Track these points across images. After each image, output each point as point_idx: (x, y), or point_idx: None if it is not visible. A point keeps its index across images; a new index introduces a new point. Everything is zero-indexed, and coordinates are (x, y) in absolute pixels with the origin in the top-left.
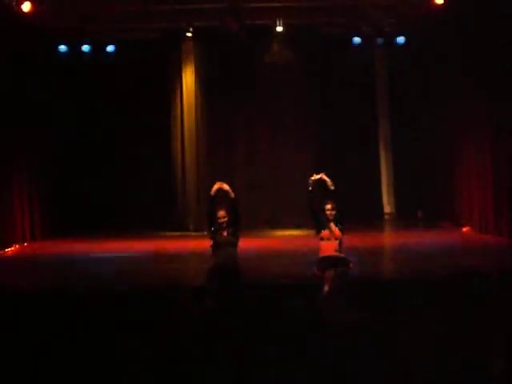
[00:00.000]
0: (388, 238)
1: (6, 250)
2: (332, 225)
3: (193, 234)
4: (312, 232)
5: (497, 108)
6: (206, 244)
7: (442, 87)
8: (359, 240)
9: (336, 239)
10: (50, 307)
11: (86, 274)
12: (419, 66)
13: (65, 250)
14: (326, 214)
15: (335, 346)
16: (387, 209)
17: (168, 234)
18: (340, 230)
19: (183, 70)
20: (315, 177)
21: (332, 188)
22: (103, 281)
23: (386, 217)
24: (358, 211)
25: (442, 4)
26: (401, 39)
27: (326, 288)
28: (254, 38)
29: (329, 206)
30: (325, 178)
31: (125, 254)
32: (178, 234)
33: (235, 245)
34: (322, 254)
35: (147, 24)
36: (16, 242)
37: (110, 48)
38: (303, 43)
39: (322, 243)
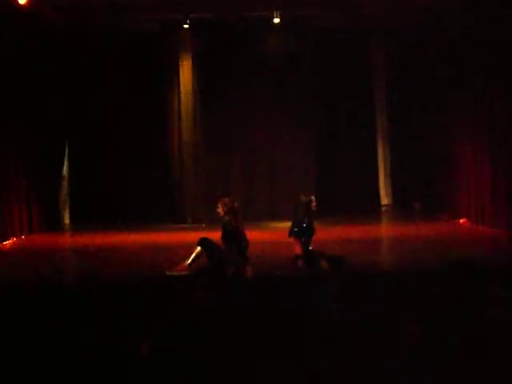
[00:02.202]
0: (385, 230)
1: (4, 242)
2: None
3: (191, 226)
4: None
5: (495, 101)
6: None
7: (440, 80)
8: (356, 232)
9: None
10: (46, 300)
11: (83, 266)
12: (418, 59)
13: (63, 242)
14: (310, 207)
15: (335, 340)
16: (384, 200)
17: (167, 226)
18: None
19: (180, 62)
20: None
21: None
22: (99, 273)
23: (383, 208)
24: (356, 203)
25: None
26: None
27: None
28: (251, 30)
29: (313, 198)
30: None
31: (122, 246)
32: (176, 226)
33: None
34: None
35: (143, 15)
36: (14, 235)
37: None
38: (299, 36)
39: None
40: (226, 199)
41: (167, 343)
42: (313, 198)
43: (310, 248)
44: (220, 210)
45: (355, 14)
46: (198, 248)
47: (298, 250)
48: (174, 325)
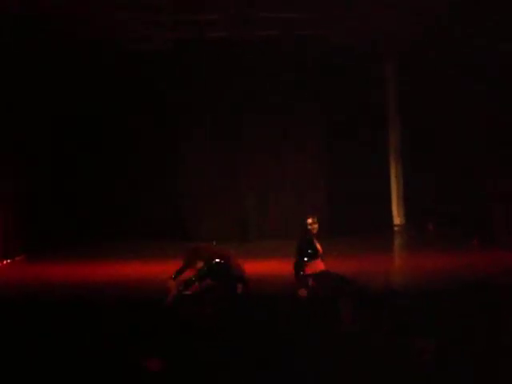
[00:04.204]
0: (397, 250)
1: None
2: (316, 242)
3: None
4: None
5: (504, 118)
6: None
7: (455, 97)
8: (368, 252)
9: (320, 256)
10: (53, 317)
11: (92, 282)
12: (431, 77)
13: (72, 258)
14: (308, 230)
15: (345, 359)
16: (397, 220)
17: (175, 243)
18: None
19: (192, 79)
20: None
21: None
22: (110, 290)
23: (395, 228)
24: (368, 222)
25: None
26: None
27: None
28: (262, 48)
29: (310, 221)
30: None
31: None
32: (184, 243)
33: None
34: (311, 271)
35: (155, 33)
36: (25, 251)
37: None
38: (310, 53)
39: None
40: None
41: (176, 359)
42: (309, 220)
43: (302, 272)
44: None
45: (366, 32)
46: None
47: (309, 269)
48: (183, 341)
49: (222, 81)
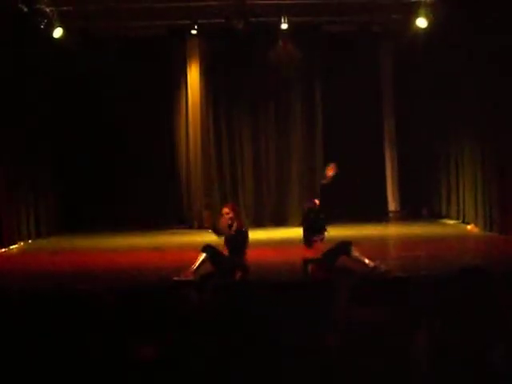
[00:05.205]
0: (392, 236)
1: (11, 247)
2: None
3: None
4: None
5: (500, 105)
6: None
7: (448, 85)
8: (363, 237)
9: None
10: (49, 308)
11: (89, 272)
12: (427, 64)
13: (68, 247)
14: (319, 211)
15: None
16: (391, 206)
17: (172, 230)
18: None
19: (188, 67)
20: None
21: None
22: (105, 277)
23: (390, 214)
24: (362, 209)
25: None
26: None
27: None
28: (259, 36)
29: (318, 202)
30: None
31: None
32: (182, 230)
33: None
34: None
35: (151, 21)
36: (21, 240)
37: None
38: (308, 41)
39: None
40: (231, 204)
41: (173, 348)
42: (316, 202)
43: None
44: (230, 215)
45: (364, 20)
46: (204, 254)
47: (308, 254)
48: (181, 329)
49: (218, 70)
